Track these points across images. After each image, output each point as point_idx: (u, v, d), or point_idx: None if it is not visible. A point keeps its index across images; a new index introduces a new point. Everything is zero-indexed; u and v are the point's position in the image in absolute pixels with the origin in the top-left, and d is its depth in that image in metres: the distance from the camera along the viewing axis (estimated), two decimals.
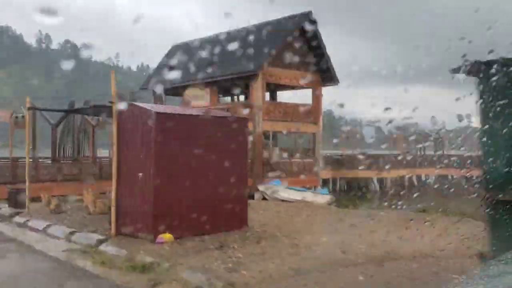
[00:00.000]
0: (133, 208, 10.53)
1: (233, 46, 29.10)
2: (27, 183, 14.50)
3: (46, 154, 27.66)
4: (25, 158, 25.27)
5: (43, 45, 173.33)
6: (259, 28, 29.82)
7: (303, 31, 29.19)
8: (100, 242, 10.42)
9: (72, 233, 11.39)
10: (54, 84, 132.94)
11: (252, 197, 25.89)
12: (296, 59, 29.15)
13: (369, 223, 13.79)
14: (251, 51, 28.15)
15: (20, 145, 27.15)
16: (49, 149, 28.37)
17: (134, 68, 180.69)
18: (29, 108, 14.44)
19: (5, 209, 15.18)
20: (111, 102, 11.09)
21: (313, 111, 30.57)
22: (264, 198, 25.94)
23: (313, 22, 29.50)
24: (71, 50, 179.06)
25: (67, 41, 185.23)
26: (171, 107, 13.68)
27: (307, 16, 29.08)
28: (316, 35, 29.37)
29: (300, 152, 31.16)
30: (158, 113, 10.28)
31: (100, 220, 13.01)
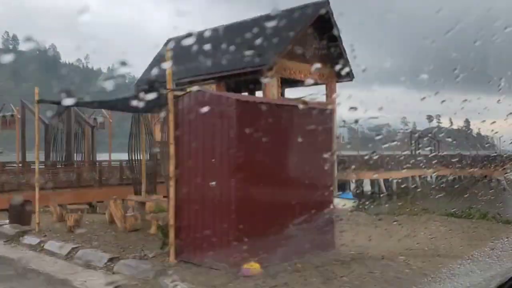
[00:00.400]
0: (201, 227, 7.97)
1: (241, 38, 26.63)
2: (36, 193, 11.69)
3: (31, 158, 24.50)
4: (13, 162, 22.43)
5: (10, 47, 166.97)
6: (269, 18, 27.38)
7: (319, 22, 26.89)
8: (159, 273, 7.83)
9: (112, 260, 8.74)
10: (22, 86, 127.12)
11: None
12: (312, 52, 26.87)
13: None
14: (262, 43, 25.77)
15: (9, 147, 24.12)
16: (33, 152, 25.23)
17: (104, 69, 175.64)
18: (38, 101, 11.63)
19: (7, 226, 12.29)
20: (166, 88, 8.53)
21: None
22: None
23: (330, 11, 27.22)
24: (39, 51, 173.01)
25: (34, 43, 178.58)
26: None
27: (323, 5, 26.80)
28: (332, 26, 27.11)
29: None
30: (240, 101, 7.75)
31: (136, 239, 10.43)
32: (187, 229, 8.23)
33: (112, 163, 24.14)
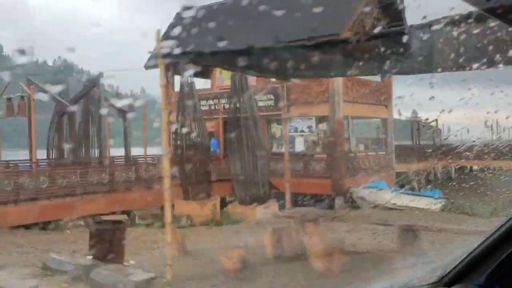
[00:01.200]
0: None
1: (290, 6, 22.06)
2: (166, 206, 6.78)
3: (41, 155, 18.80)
4: (26, 160, 16.95)
5: None
6: None
7: None
8: None
9: None
10: None
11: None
12: (375, 23, 22.67)
13: None
14: (318, 11, 21.41)
15: (16, 141, 18.53)
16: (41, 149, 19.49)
17: (50, 62, 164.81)
18: (163, 56, 6.63)
19: (103, 270, 7.21)
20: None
21: (384, 91, 24.24)
22: (352, 205, 19.51)
23: None
24: None
25: None
26: None
27: None
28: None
29: (372, 142, 24.88)
30: None
31: None
32: None
33: (147, 159, 18.96)
